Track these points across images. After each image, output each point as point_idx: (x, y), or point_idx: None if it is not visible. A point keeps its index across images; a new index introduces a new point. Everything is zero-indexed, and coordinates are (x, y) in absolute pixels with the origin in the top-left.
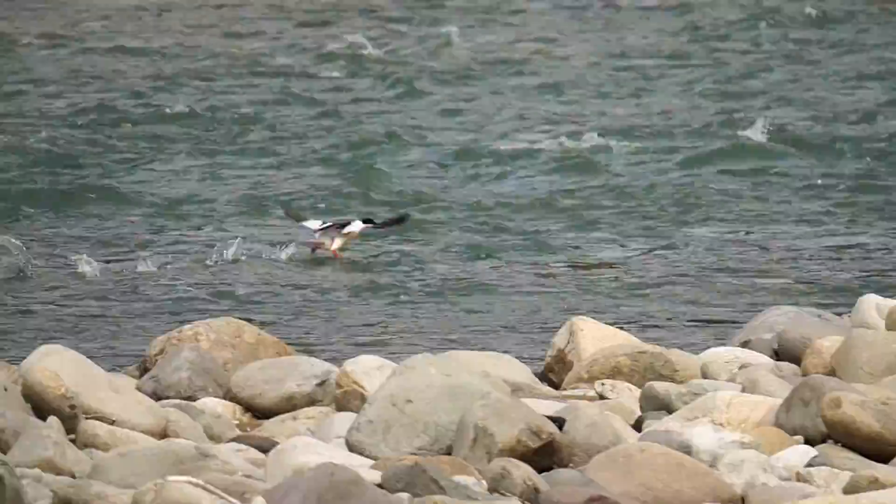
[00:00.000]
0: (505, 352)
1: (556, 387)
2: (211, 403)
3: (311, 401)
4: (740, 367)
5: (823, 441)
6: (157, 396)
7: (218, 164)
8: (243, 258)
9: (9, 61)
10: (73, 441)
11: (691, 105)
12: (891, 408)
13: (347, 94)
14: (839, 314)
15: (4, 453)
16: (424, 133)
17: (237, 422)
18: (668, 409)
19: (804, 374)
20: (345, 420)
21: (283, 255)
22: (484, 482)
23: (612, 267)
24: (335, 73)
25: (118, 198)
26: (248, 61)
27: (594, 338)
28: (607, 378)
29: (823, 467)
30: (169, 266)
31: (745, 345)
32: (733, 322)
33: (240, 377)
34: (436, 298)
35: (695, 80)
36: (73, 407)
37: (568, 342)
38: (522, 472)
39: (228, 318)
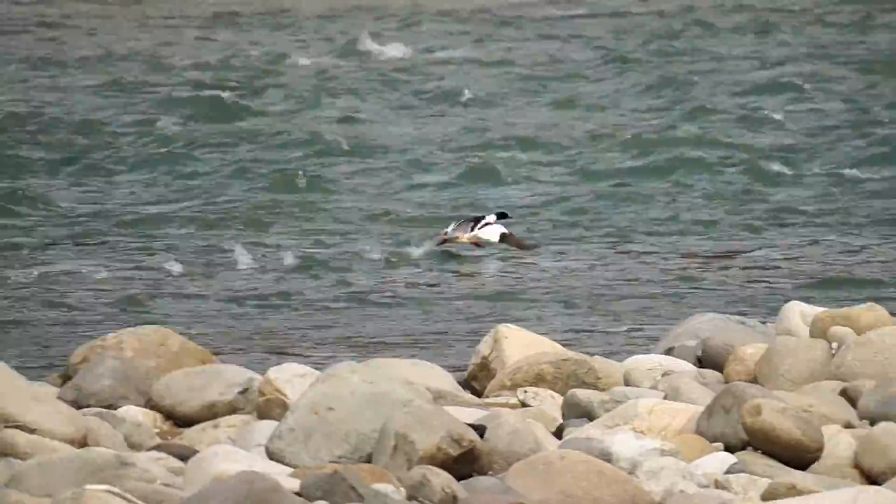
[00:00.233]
0: (428, 360)
1: (479, 395)
2: (132, 412)
3: (233, 409)
4: (663, 375)
5: (744, 448)
6: (78, 405)
7: (146, 173)
8: (170, 267)
9: None
10: None
11: (611, 115)
12: (811, 415)
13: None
14: (764, 322)
15: None
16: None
17: (158, 430)
18: (591, 417)
19: (727, 382)
20: (266, 428)
21: (208, 264)
22: (403, 490)
23: (538, 275)
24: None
25: (37, 204)
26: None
27: (518, 345)
28: (530, 386)
29: (742, 474)
30: (94, 274)
31: (668, 352)
32: (658, 329)
33: (162, 385)
34: (359, 307)
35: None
36: None
37: (492, 350)
38: (442, 479)
39: (153, 326)
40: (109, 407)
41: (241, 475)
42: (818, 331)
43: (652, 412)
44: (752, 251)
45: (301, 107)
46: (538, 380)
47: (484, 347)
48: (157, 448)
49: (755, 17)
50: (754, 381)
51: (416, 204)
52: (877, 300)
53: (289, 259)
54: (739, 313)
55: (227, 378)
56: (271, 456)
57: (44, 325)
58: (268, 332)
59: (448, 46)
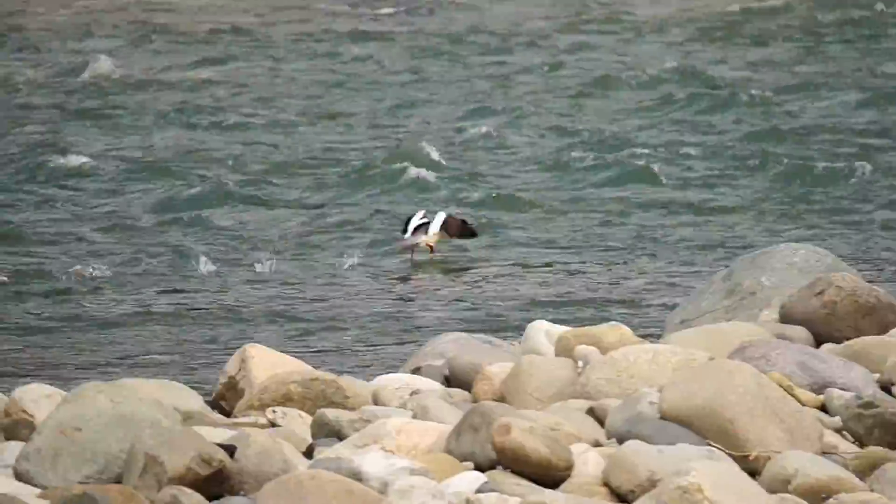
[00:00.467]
0: (177, 379)
1: (228, 414)
2: None
3: None
4: (411, 394)
5: (494, 467)
6: None
7: None
8: None
9: None
10: None
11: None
12: (559, 434)
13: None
14: (510, 340)
15: None
16: None
17: None
18: (340, 437)
19: (475, 401)
20: (14, 449)
21: None
22: None
23: (288, 293)
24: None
25: None
26: None
27: (266, 365)
28: (279, 405)
29: (493, 493)
30: None
31: (415, 371)
32: (408, 348)
33: None
34: (105, 327)
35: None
36: None
37: (240, 369)
38: (192, 500)
39: None
40: None
41: None
42: (564, 349)
43: (401, 431)
44: (501, 270)
45: None
46: (286, 399)
47: (231, 367)
48: None
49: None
50: (502, 400)
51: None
52: (621, 319)
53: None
54: (486, 332)
55: None
56: (19, 477)
57: None
58: (13, 352)
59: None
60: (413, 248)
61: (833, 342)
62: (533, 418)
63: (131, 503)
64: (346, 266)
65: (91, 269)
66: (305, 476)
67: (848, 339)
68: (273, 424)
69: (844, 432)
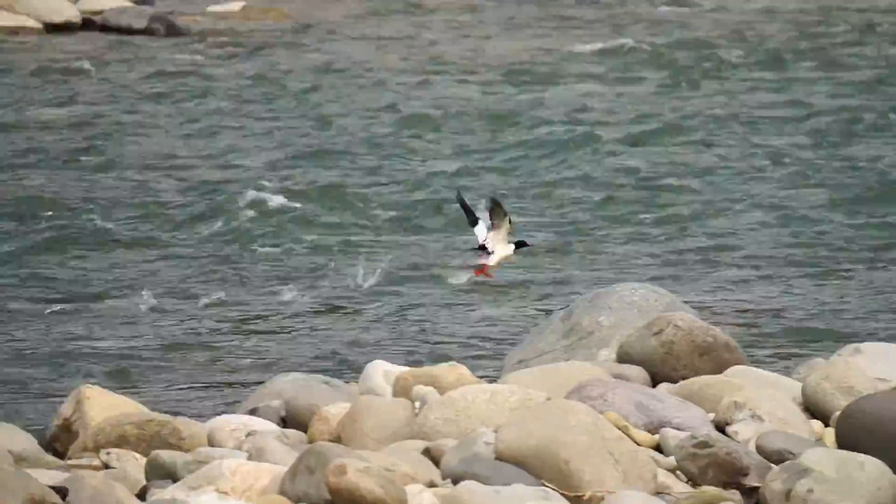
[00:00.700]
0: (8, 421)
1: (62, 456)
2: None
3: None
4: (247, 435)
5: None
6: None
7: None
8: None
9: None
10: None
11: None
12: (394, 474)
13: None
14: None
15: None
16: None
17: None
18: (174, 478)
19: (311, 442)
20: None
21: None
22: None
23: (122, 333)
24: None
25: None
26: None
27: (102, 406)
28: (114, 447)
29: None
30: None
31: (252, 412)
32: (245, 388)
33: None
34: None
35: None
36: None
37: (74, 411)
38: None
39: None
40: None
41: None
42: (401, 390)
43: (236, 473)
44: (341, 309)
45: None
46: (122, 441)
47: (66, 408)
48: None
49: None
50: (339, 441)
51: None
52: (461, 359)
53: None
54: (324, 372)
55: None
56: None
57: None
58: None
59: None
60: (484, 271)
61: (670, 381)
62: (368, 459)
63: None
64: (195, 305)
65: None
66: None
67: (685, 378)
68: (107, 466)
69: (679, 472)
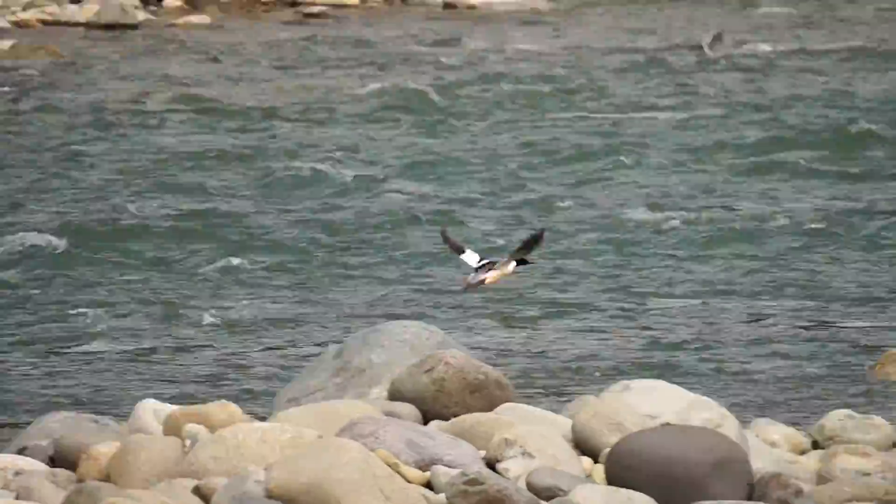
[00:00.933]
0: None
1: None
2: None
3: None
4: (15, 474)
5: None
6: None
7: None
8: None
9: None
10: None
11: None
12: None
13: None
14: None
15: None
16: None
17: None
18: None
19: (80, 481)
20: None
21: None
22: None
23: None
24: None
25: None
26: None
27: None
28: None
29: None
30: None
31: (21, 451)
32: (13, 429)
33: None
34: None
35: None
36: None
37: None
38: None
39: None
40: None
41: None
42: (172, 428)
43: None
44: (110, 347)
45: None
46: None
47: None
48: None
49: None
50: (108, 479)
51: None
52: (233, 397)
53: None
54: (94, 411)
55: None
56: None
57: None
58: None
59: None
60: (477, 285)
61: (442, 419)
62: (137, 497)
63: None
64: None
65: None
66: None
67: (456, 415)
68: None
69: None
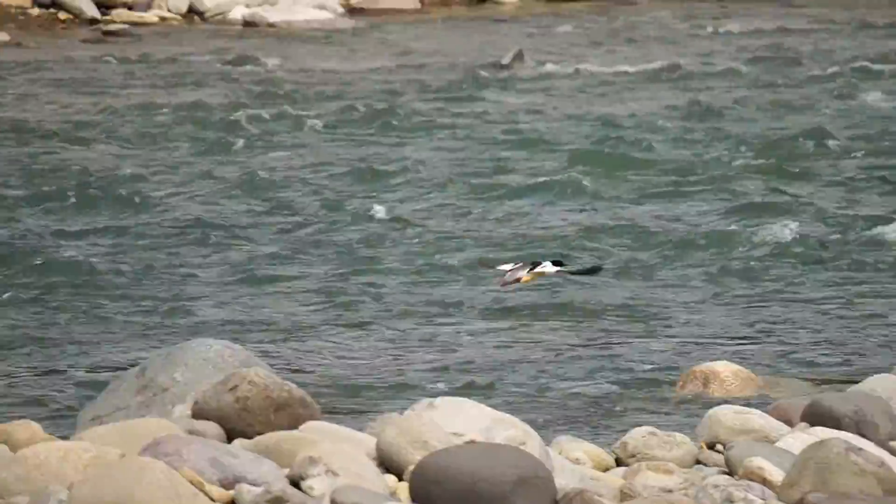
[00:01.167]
0: None
1: None
2: None
3: None
4: None
5: None
6: None
7: None
8: None
9: None
10: None
11: None
12: None
13: None
14: None
15: None
16: None
17: None
18: None
19: None
20: None
21: None
22: None
23: None
24: None
25: None
26: None
27: None
28: None
29: None
30: None
31: None
32: None
33: None
34: None
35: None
36: None
37: None
38: None
39: None
40: None
41: None
42: None
43: None
44: None
45: None
46: None
47: None
48: None
49: None
50: None
51: None
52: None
53: None
54: None
55: None
56: None
57: None
58: None
59: None
60: (514, 283)
61: (246, 437)
62: None
63: None
64: None
65: None
66: None
67: (261, 433)
68: None
69: None
